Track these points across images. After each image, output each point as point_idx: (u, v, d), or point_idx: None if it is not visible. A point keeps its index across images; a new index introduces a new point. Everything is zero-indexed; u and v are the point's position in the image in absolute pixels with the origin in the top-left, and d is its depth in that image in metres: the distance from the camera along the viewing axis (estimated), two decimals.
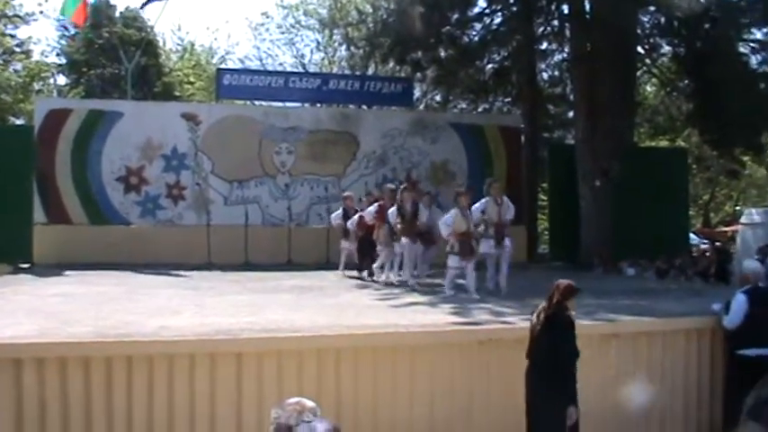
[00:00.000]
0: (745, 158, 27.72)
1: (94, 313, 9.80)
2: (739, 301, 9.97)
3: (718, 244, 30.03)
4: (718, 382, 10.45)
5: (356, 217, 16.54)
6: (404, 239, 14.53)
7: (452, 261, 13.14)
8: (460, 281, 13.25)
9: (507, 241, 13.69)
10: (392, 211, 14.90)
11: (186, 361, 8.06)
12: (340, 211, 17.63)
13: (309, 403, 3.64)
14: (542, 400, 8.09)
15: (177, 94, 39.45)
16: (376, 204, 15.80)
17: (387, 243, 15.25)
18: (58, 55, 40.83)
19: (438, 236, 14.39)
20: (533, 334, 8.32)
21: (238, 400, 8.17)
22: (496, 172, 23.44)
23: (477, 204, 13.52)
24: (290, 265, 19.21)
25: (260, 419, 7.71)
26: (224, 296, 12.42)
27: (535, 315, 8.38)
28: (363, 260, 16.53)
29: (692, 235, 32.57)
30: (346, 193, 18.23)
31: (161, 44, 43.72)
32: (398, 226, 14.67)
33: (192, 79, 42.25)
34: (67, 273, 15.98)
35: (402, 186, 15.60)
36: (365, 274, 16.39)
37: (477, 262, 13.34)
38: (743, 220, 25.02)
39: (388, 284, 14.86)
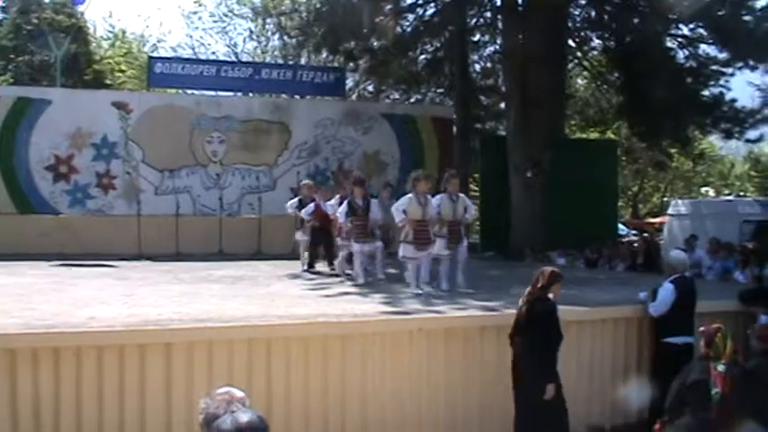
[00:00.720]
0: (673, 151, 28.22)
1: (22, 304, 9.66)
2: (667, 290, 10.15)
3: (645, 234, 30.50)
4: (646, 369, 10.64)
5: (311, 206, 15.44)
6: (354, 243, 13.59)
7: (406, 251, 12.09)
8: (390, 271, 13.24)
9: (464, 242, 12.76)
10: (342, 209, 13.81)
11: (115, 352, 7.99)
12: (295, 200, 16.34)
13: (238, 393, 3.64)
14: (528, 380, 8.58)
15: (108, 82, 38.88)
16: (338, 197, 14.90)
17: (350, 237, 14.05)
18: None
19: (393, 234, 13.91)
20: (519, 318, 8.84)
21: (168, 390, 8.11)
22: (428, 162, 23.58)
23: (434, 199, 12.39)
24: (221, 255, 19.12)
25: (190, 410, 7.67)
26: (154, 286, 12.32)
27: (521, 300, 8.88)
28: (315, 252, 15.80)
29: (620, 225, 33.08)
30: (305, 181, 17.19)
31: (92, 31, 43.08)
32: (349, 224, 13.66)
33: (123, 67, 41.68)
34: None
35: (353, 180, 14.43)
36: (312, 266, 15.70)
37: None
38: (670, 211, 25.48)
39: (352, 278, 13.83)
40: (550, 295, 8.80)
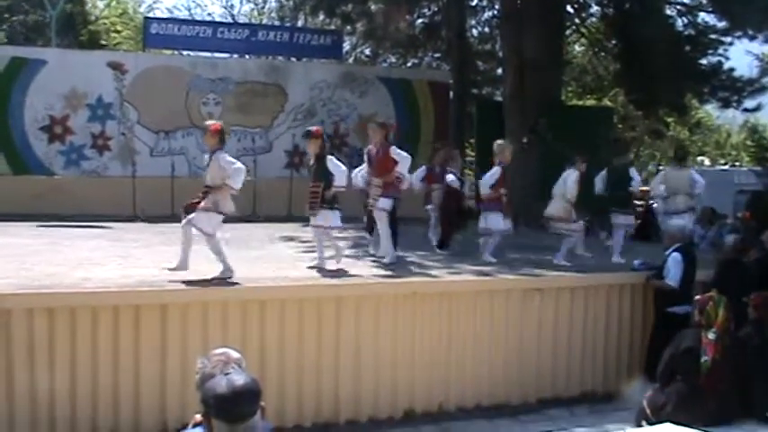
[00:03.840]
0: (669, 119, 28.18)
1: (17, 265, 9.65)
2: (677, 260, 10.17)
3: (641, 203, 30.57)
4: (638, 336, 10.71)
5: (422, 170, 13.70)
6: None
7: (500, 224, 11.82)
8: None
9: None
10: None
11: (110, 312, 8.02)
12: (424, 169, 13.95)
13: (235, 354, 3.66)
14: None
15: (103, 42, 38.67)
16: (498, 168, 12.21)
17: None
18: None
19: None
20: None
21: (163, 351, 8.17)
22: (424, 126, 23.55)
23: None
24: None
25: (184, 370, 7.73)
26: (149, 248, 12.33)
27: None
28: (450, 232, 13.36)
29: None
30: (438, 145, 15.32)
31: None
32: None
33: (118, 28, 41.40)
34: None
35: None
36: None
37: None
38: None
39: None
40: None
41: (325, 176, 10.18)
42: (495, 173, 11.95)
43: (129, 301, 8.11)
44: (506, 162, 12.09)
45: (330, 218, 10.32)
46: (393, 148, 11.01)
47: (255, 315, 8.58)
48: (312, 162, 10.69)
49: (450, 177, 13.36)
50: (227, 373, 3.43)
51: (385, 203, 10.99)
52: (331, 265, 10.36)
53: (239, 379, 3.37)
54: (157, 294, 8.26)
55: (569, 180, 12.28)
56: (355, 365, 9.05)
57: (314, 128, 10.75)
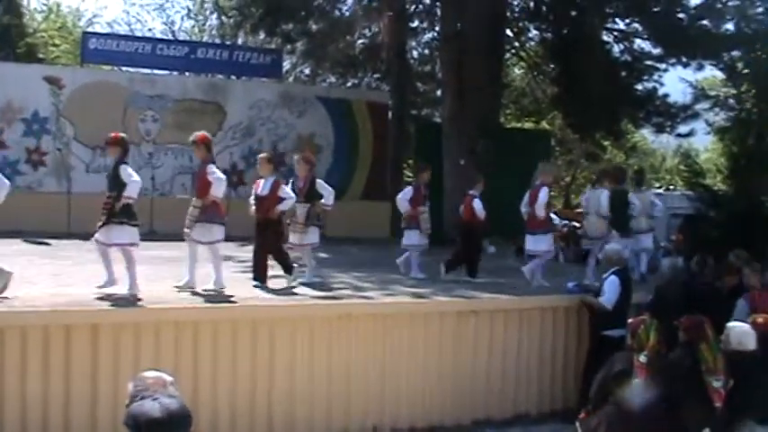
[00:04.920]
0: (606, 143, 28.56)
1: None
2: (614, 283, 10.27)
3: (576, 225, 30.86)
4: (572, 358, 10.80)
5: (408, 190, 13.05)
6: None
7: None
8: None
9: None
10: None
11: (39, 332, 7.89)
12: (411, 189, 13.23)
13: (168, 378, 3.61)
14: None
15: (41, 56, 38.19)
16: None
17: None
18: None
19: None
20: None
21: (94, 372, 8.05)
22: (362, 147, 23.58)
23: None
24: (152, 236, 18.87)
25: (116, 392, 7.63)
26: (82, 266, 12.15)
27: None
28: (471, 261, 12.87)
29: (553, 215, 33.36)
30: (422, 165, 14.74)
31: (25, 3, 42.27)
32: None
33: (56, 41, 40.95)
34: None
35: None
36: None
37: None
38: None
39: None
40: None
41: (118, 186, 9.65)
42: (545, 194, 12.15)
43: (59, 321, 7.99)
44: (550, 183, 12.40)
45: (112, 233, 9.60)
46: (210, 166, 10.44)
47: (189, 336, 8.51)
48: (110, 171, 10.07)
49: (477, 206, 12.97)
50: (155, 398, 3.38)
51: (212, 235, 10.59)
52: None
53: (173, 403, 3.33)
54: (89, 314, 8.15)
55: (603, 198, 12.75)
56: (290, 388, 9.02)
57: (113, 134, 10.32)
